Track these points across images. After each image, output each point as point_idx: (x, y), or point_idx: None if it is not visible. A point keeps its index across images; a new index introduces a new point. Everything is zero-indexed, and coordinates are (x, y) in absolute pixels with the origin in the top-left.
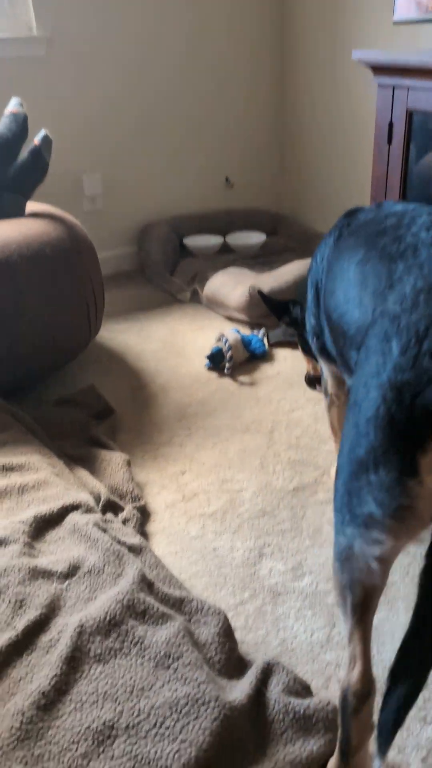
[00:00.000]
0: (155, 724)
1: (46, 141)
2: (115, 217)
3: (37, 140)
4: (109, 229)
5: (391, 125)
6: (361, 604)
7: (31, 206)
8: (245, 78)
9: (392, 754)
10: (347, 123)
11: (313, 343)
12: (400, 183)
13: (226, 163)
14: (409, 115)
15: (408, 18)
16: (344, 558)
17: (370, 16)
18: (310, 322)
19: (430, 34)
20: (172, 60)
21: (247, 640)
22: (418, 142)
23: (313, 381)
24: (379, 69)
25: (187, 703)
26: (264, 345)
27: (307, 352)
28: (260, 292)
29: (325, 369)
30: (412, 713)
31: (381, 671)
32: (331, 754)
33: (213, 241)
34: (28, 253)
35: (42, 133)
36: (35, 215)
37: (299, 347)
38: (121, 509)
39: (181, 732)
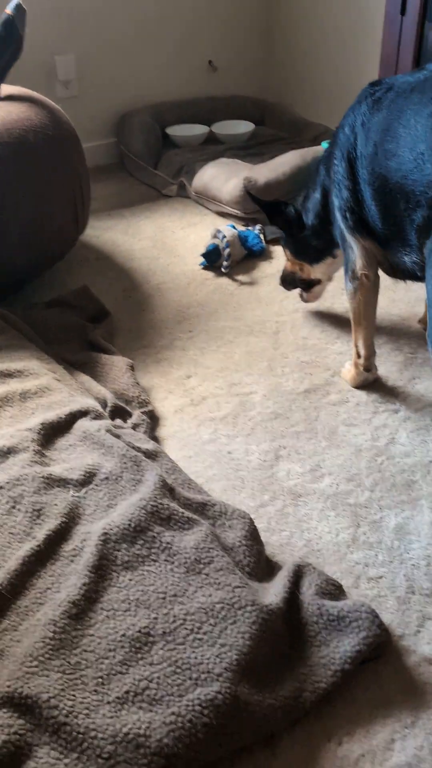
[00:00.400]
0: (192, 630)
1: (20, 10)
2: (92, 105)
3: (9, 9)
4: (86, 118)
5: None
6: None
7: (6, 89)
8: None
9: (428, 648)
10: None
11: (343, 222)
12: (414, 60)
13: (209, 45)
14: None
15: None
16: None
17: None
18: (341, 198)
19: None
20: None
21: (271, 542)
22: None
23: (291, 281)
24: None
25: (223, 608)
26: (261, 241)
27: (300, 255)
28: (249, 193)
29: (356, 248)
30: None
31: (410, 570)
32: (366, 653)
33: (198, 130)
34: (9, 140)
35: (14, 1)
36: (12, 98)
37: (288, 251)
38: (129, 415)
39: (220, 636)
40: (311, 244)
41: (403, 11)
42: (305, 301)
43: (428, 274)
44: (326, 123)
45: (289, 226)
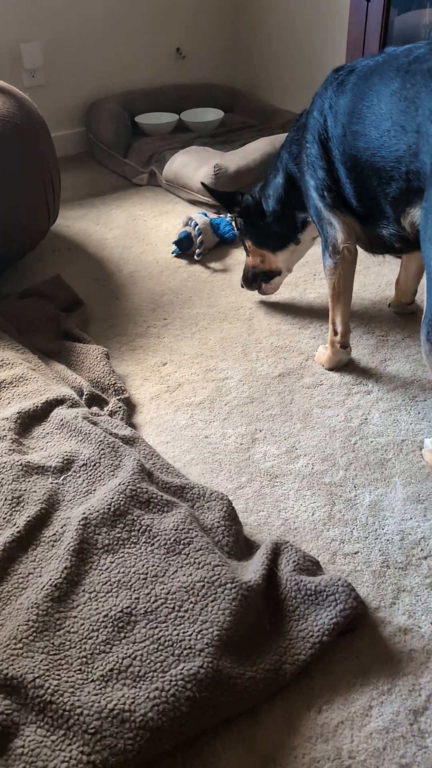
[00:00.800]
0: (174, 608)
1: None
2: (59, 94)
3: None
4: (53, 107)
5: None
6: None
7: None
8: None
9: (403, 619)
10: None
11: (321, 200)
12: (380, 45)
13: (177, 32)
14: None
15: None
16: None
17: None
18: (317, 178)
19: None
20: None
21: (249, 522)
22: None
23: (253, 276)
24: None
25: (203, 586)
26: (233, 228)
27: (262, 243)
28: (203, 184)
29: (337, 223)
30: (419, 580)
31: (385, 544)
32: (343, 626)
33: (167, 118)
34: None
35: None
36: None
37: (248, 242)
38: (106, 402)
39: (200, 614)
40: (274, 231)
41: None
42: (263, 293)
43: (424, 237)
44: (295, 109)
45: (248, 215)
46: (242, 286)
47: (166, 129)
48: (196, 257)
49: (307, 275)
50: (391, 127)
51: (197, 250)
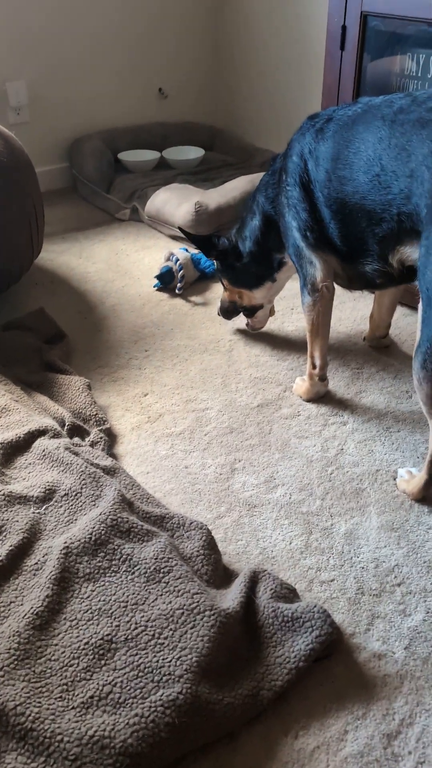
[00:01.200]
0: (153, 635)
1: None
2: (44, 131)
3: None
4: (38, 144)
5: (344, 29)
6: None
7: None
8: None
9: (377, 644)
10: (289, 29)
11: (303, 240)
12: (354, 92)
13: (160, 73)
14: (364, 18)
15: None
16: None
17: None
18: (299, 219)
19: None
20: None
21: (228, 551)
22: (372, 46)
23: (232, 310)
24: None
25: (183, 614)
26: (213, 263)
27: (239, 282)
28: (181, 228)
29: (318, 262)
30: (393, 607)
31: (360, 572)
32: (319, 651)
33: (149, 155)
34: None
35: None
36: None
37: (225, 281)
38: (87, 433)
39: (180, 640)
40: (250, 271)
41: (342, 47)
42: (253, 329)
43: (424, 270)
44: (273, 149)
45: (225, 257)
46: (218, 314)
47: (148, 166)
48: (177, 291)
49: (284, 309)
50: (381, 172)
51: (178, 284)
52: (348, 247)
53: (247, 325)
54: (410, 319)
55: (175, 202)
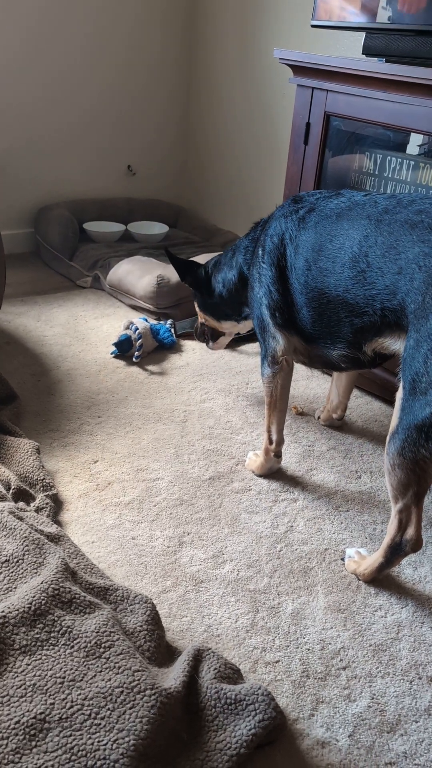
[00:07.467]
0: (90, 715)
1: None
2: (11, 196)
3: None
4: (4, 207)
5: (308, 126)
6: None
7: None
8: (152, 68)
9: (321, 731)
10: (255, 121)
11: (271, 318)
12: (315, 183)
13: (129, 151)
14: (327, 118)
15: (326, 23)
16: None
17: (285, 15)
18: (271, 298)
19: (346, 41)
20: (77, 37)
21: (172, 627)
22: (333, 143)
23: (202, 332)
24: (299, 70)
25: (122, 692)
26: (172, 335)
27: (207, 311)
28: (167, 249)
29: (281, 339)
30: (338, 692)
31: (306, 654)
32: (262, 737)
33: (115, 228)
34: None
35: None
36: None
37: (196, 304)
38: (33, 498)
39: (117, 721)
40: (220, 307)
41: (306, 141)
42: (211, 348)
43: (411, 361)
44: (235, 231)
45: (198, 287)
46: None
47: (112, 237)
48: (134, 359)
49: (240, 383)
50: (367, 268)
51: (136, 353)
52: (317, 333)
53: (207, 343)
54: (361, 400)
55: (138, 274)
